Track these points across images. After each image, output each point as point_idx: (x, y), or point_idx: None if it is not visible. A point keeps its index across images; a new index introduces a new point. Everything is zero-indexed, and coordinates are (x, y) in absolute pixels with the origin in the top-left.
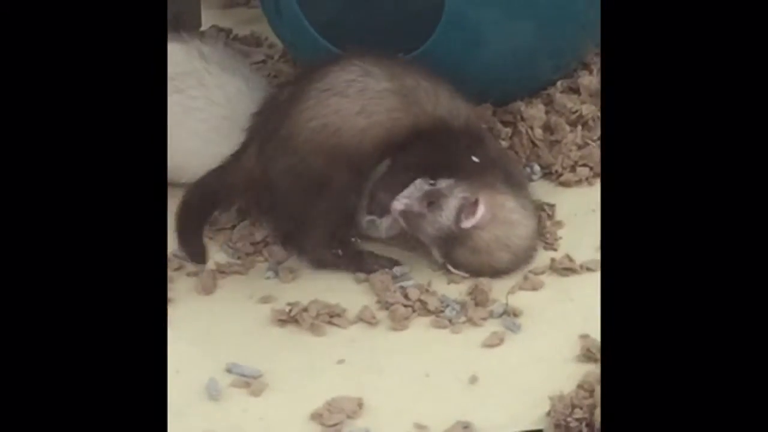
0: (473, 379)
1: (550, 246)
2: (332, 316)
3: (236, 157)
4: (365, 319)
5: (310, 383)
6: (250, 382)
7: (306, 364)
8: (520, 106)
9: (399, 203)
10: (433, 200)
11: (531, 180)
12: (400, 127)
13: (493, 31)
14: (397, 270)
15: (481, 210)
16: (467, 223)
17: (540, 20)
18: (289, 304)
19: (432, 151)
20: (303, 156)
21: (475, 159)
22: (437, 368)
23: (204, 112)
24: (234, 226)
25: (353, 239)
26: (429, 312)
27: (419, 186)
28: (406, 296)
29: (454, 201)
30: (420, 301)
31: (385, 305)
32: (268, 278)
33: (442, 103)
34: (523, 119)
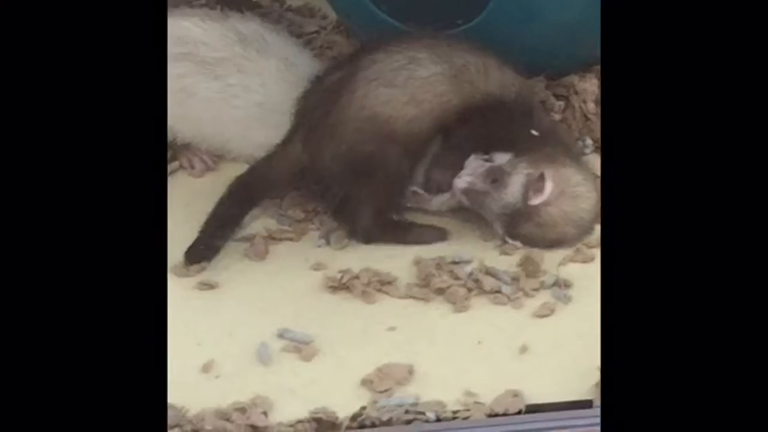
0: (523, 349)
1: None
2: (383, 284)
3: (282, 146)
4: (417, 297)
5: (361, 350)
6: (301, 347)
7: (357, 331)
8: (574, 79)
9: (462, 181)
10: (496, 177)
11: (584, 153)
12: (451, 108)
13: (547, 3)
14: (456, 255)
15: (549, 185)
16: (536, 200)
17: None
18: (340, 271)
19: (484, 126)
20: (352, 144)
21: (534, 132)
22: (488, 337)
23: (240, 99)
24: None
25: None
26: (485, 292)
27: (479, 163)
28: (456, 277)
29: (519, 177)
30: (476, 281)
31: (438, 291)
32: (319, 246)
33: (492, 77)
34: (576, 93)
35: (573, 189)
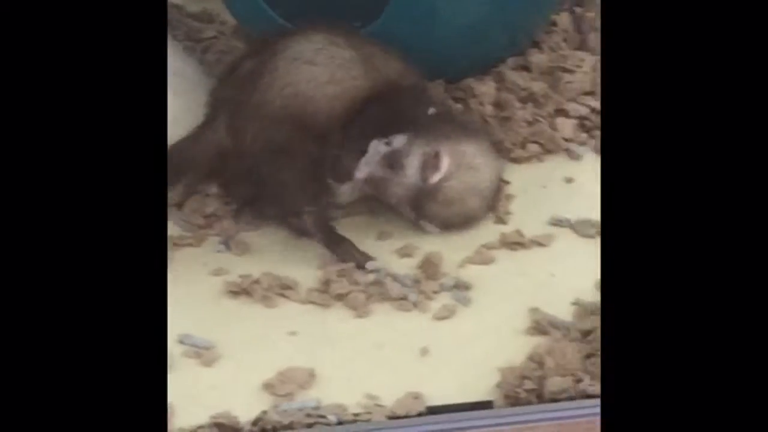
0: (424, 351)
1: (501, 220)
2: (284, 288)
3: (203, 128)
4: (317, 302)
5: (262, 354)
6: (202, 352)
7: (258, 336)
8: (471, 82)
9: (360, 171)
10: (393, 161)
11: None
12: (361, 92)
13: (445, 6)
14: (369, 265)
15: (445, 161)
16: (434, 177)
17: None
18: (240, 276)
19: (384, 110)
20: (274, 122)
21: (431, 110)
22: (388, 340)
23: None
24: (183, 201)
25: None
26: (390, 299)
27: (376, 149)
28: (356, 282)
29: (415, 158)
30: (379, 286)
31: (338, 297)
32: (219, 252)
33: (393, 65)
34: (474, 96)
35: (470, 160)
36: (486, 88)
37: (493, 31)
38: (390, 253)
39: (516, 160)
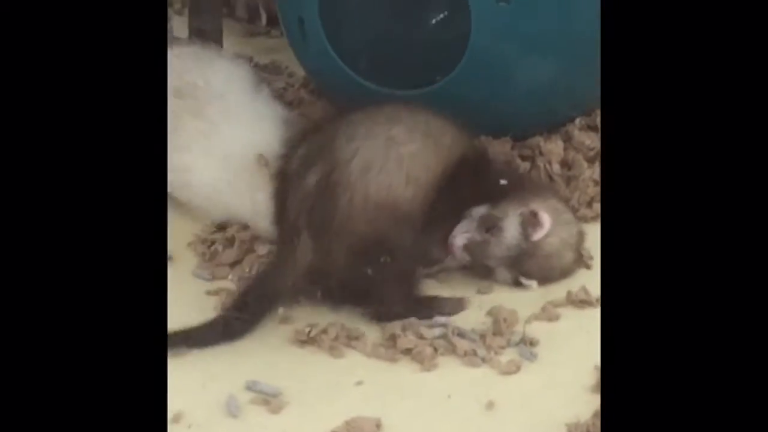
0: (490, 405)
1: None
2: (351, 338)
3: (288, 251)
4: (384, 358)
5: (330, 403)
6: (269, 399)
7: (325, 385)
8: (539, 141)
9: (460, 239)
10: (490, 225)
11: None
12: (437, 176)
13: (515, 66)
14: (435, 321)
15: (546, 218)
16: (538, 235)
17: (561, 58)
18: (309, 325)
19: (461, 189)
20: (362, 235)
21: (503, 182)
22: (455, 393)
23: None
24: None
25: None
26: (458, 355)
27: (469, 217)
28: (422, 336)
29: (513, 219)
30: (448, 343)
31: (405, 351)
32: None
33: (460, 140)
34: (541, 154)
35: (561, 216)
36: (554, 146)
37: (562, 90)
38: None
39: (582, 219)
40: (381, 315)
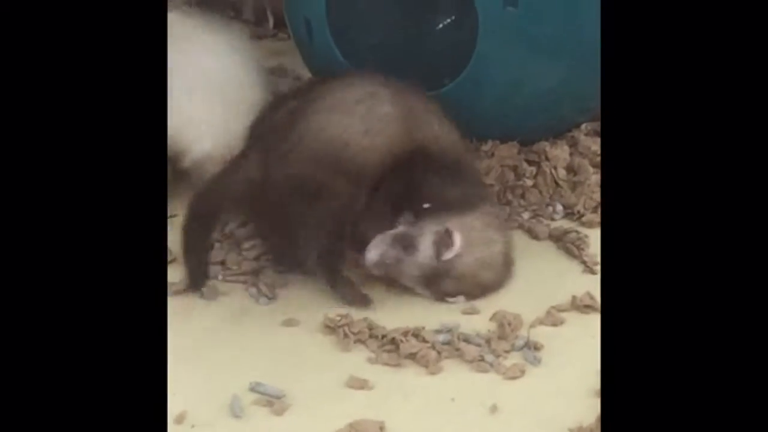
0: (494, 409)
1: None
2: (371, 337)
3: (236, 164)
4: (389, 363)
5: (333, 405)
6: (273, 401)
7: (329, 387)
8: (546, 146)
9: (373, 254)
10: (406, 243)
11: (553, 219)
12: (394, 151)
13: (522, 71)
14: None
15: (458, 238)
16: (448, 255)
17: (568, 63)
18: (339, 315)
19: (408, 182)
20: (305, 166)
21: (426, 206)
22: (459, 396)
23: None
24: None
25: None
26: (466, 361)
27: (387, 233)
28: (424, 340)
29: (427, 237)
30: (456, 349)
31: (410, 356)
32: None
33: (429, 128)
34: (547, 159)
35: (479, 235)
36: (560, 151)
37: (568, 96)
38: (457, 311)
39: (587, 224)
40: (288, 261)
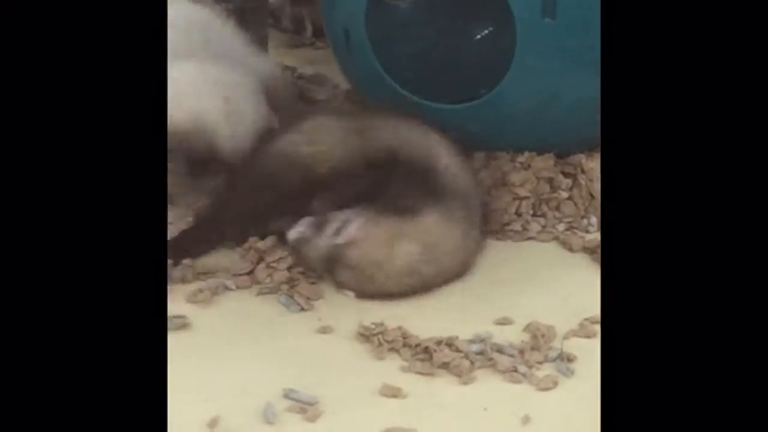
0: (526, 419)
1: None
2: (405, 346)
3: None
4: (422, 372)
5: (366, 413)
6: (306, 408)
7: (362, 394)
8: (582, 158)
9: (293, 232)
10: (320, 226)
11: (588, 231)
12: (352, 157)
13: (559, 82)
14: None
15: (353, 228)
16: (339, 240)
17: None
18: (374, 323)
19: (371, 183)
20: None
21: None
22: (492, 406)
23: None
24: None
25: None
26: (499, 371)
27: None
28: (457, 350)
29: (335, 223)
30: (489, 359)
31: (443, 365)
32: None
33: (397, 134)
34: (583, 171)
35: (389, 238)
36: (595, 164)
37: None
38: (490, 321)
39: None
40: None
